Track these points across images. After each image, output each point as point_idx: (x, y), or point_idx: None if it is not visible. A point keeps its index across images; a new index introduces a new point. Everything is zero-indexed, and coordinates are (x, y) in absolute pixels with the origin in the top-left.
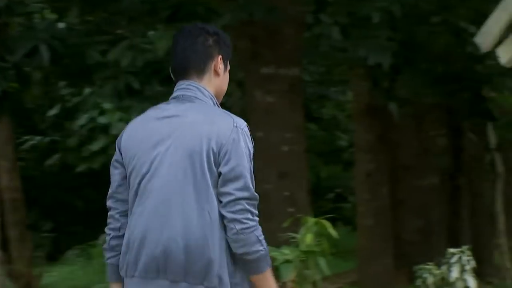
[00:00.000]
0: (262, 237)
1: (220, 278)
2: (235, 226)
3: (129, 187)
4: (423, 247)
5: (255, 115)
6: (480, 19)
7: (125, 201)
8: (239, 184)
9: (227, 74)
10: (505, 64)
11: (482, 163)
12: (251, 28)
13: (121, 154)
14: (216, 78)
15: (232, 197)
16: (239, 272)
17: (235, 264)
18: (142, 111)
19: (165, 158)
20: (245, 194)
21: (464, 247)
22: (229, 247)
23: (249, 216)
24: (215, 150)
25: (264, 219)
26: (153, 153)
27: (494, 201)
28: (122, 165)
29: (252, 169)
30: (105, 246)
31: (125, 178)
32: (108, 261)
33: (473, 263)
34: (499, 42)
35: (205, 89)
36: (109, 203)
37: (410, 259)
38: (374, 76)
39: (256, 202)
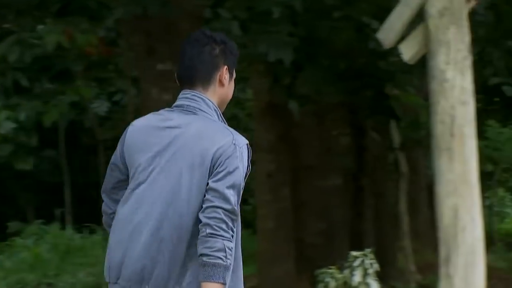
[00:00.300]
0: (229, 251)
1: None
2: (205, 229)
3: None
4: (326, 250)
5: None
6: (383, 14)
7: (117, 198)
8: (221, 196)
9: (232, 83)
10: (408, 60)
11: (385, 163)
12: (146, 22)
13: (122, 157)
14: (221, 88)
15: (211, 204)
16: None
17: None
18: (31, 109)
19: (163, 170)
20: (225, 205)
21: (367, 250)
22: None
23: (223, 226)
24: (210, 166)
25: None
26: (153, 163)
27: (398, 201)
28: (119, 168)
29: (241, 188)
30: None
31: (121, 181)
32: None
33: (376, 266)
34: (402, 38)
35: (210, 101)
36: (104, 197)
37: (313, 263)
38: (275, 73)
39: (235, 218)
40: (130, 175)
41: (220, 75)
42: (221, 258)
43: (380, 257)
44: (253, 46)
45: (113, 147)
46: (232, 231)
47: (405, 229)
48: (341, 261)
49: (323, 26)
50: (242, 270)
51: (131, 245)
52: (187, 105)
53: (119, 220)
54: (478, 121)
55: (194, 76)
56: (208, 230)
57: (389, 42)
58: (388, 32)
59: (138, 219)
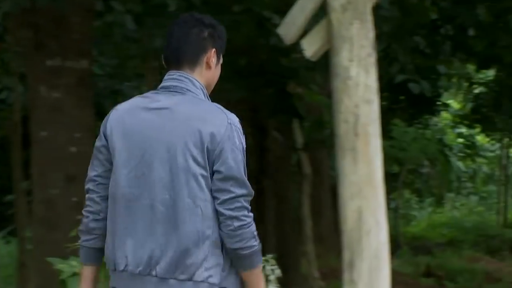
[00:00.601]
0: (256, 233)
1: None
2: (233, 223)
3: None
4: None
5: (39, 112)
6: (284, 8)
7: (106, 186)
8: (237, 182)
9: (219, 67)
10: (310, 57)
11: (288, 164)
12: (34, 16)
13: (107, 140)
14: (208, 71)
15: (232, 195)
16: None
17: (225, 257)
18: None
19: (157, 152)
20: (243, 191)
21: (269, 256)
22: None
23: (246, 213)
24: (209, 147)
25: (50, 227)
26: (144, 146)
27: (301, 204)
28: (108, 150)
29: (245, 164)
30: (82, 228)
31: (111, 163)
32: (84, 243)
33: (278, 273)
34: (304, 33)
35: (197, 81)
36: (89, 185)
37: None
38: None
39: (251, 198)
40: (117, 160)
41: (207, 58)
42: (254, 246)
43: (282, 262)
44: (148, 41)
45: (1, 147)
46: (251, 211)
47: (308, 233)
48: None
49: (223, 20)
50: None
51: (136, 232)
52: (174, 86)
53: (117, 207)
54: (383, 120)
55: (181, 58)
56: (236, 223)
57: (291, 37)
58: (289, 27)
59: (138, 205)
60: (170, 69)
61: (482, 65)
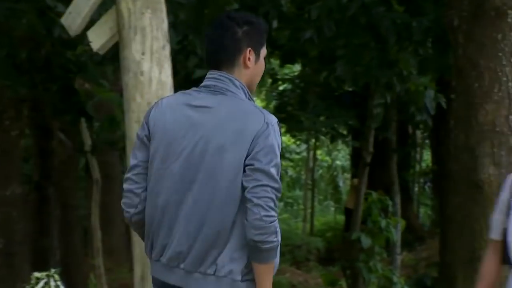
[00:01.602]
0: (278, 229)
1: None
2: (259, 211)
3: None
4: (3, 271)
5: None
6: None
7: (145, 176)
8: (267, 175)
9: (259, 64)
10: (98, 50)
11: (75, 169)
12: None
13: (149, 130)
14: (247, 70)
15: (260, 183)
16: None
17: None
18: None
19: (195, 149)
20: (273, 183)
21: (53, 270)
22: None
23: (272, 205)
24: (246, 146)
25: None
26: (184, 142)
27: (90, 214)
28: (149, 140)
29: (280, 165)
30: (128, 222)
31: (145, 161)
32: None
33: None
34: (92, 23)
35: (237, 80)
36: (129, 174)
37: None
38: None
39: (279, 196)
40: (154, 153)
41: (244, 58)
42: (274, 241)
43: (68, 277)
44: None
45: None
46: (277, 208)
47: (98, 245)
48: (22, 284)
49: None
50: None
51: (169, 225)
52: (214, 85)
53: (154, 199)
54: None
55: (218, 61)
56: (262, 212)
57: (76, 28)
58: (74, 17)
59: (173, 199)
60: (210, 69)
61: (287, 60)
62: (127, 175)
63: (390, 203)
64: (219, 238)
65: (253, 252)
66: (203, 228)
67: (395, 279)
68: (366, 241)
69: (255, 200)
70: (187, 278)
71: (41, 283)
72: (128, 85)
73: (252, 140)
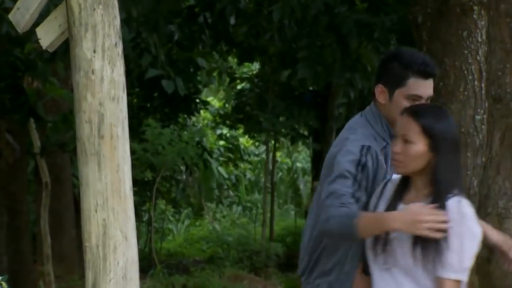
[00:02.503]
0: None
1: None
2: None
3: None
4: None
5: None
6: None
7: None
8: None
9: (393, 103)
10: (47, 47)
11: (23, 172)
12: None
13: None
14: (381, 105)
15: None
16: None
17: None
18: None
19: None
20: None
21: (0, 277)
22: None
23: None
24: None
25: None
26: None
27: (39, 219)
28: None
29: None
30: None
31: None
32: None
33: None
34: (40, 20)
35: (374, 106)
36: None
37: None
38: None
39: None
40: None
41: (377, 93)
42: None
43: (16, 285)
44: None
45: None
46: None
47: (47, 252)
48: None
49: None
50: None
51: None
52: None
53: None
54: (135, 120)
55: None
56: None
57: (24, 25)
58: (22, 13)
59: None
60: None
61: (245, 58)
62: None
63: None
64: (309, 248)
65: None
66: (305, 240)
67: None
68: None
69: None
70: (304, 285)
71: None
72: (79, 84)
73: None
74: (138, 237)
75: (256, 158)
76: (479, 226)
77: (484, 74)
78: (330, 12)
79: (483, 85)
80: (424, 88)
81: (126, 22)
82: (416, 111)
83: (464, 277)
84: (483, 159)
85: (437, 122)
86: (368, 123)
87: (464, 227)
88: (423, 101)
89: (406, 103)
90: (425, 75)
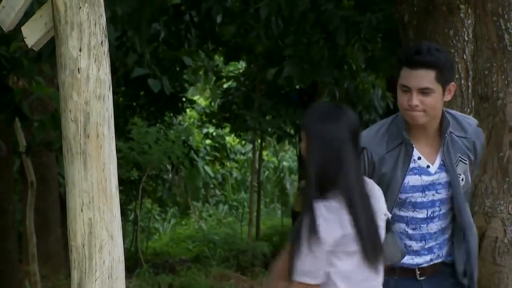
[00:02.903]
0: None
1: None
2: None
3: None
4: None
5: None
6: None
7: None
8: None
9: (400, 95)
10: (33, 46)
11: (9, 171)
12: None
13: None
14: None
15: None
16: None
17: None
18: None
19: None
20: None
21: None
22: None
23: None
24: None
25: None
26: None
27: (25, 218)
28: None
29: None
30: None
31: None
32: None
33: None
34: (26, 19)
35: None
36: None
37: None
38: None
39: None
40: None
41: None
42: None
43: (1, 284)
44: None
45: None
46: None
47: (33, 251)
48: None
49: None
50: None
51: None
52: None
53: None
54: (121, 119)
55: None
56: None
57: (9, 24)
58: (8, 12)
59: None
60: None
61: (231, 56)
62: None
63: None
64: None
65: None
66: None
67: None
68: None
69: None
70: None
71: None
72: (65, 83)
73: None
74: (124, 236)
75: (242, 157)
76: None
77: (470, 73)
78: (317, 9)
79: (469, 84)
80: (410, 78)
81: (111, 20)
82: None
83: None
84: None
85: None
86: (392, 119)
87: None
88: (414, 94)
89: (400, 94)
90: (411, 64)
